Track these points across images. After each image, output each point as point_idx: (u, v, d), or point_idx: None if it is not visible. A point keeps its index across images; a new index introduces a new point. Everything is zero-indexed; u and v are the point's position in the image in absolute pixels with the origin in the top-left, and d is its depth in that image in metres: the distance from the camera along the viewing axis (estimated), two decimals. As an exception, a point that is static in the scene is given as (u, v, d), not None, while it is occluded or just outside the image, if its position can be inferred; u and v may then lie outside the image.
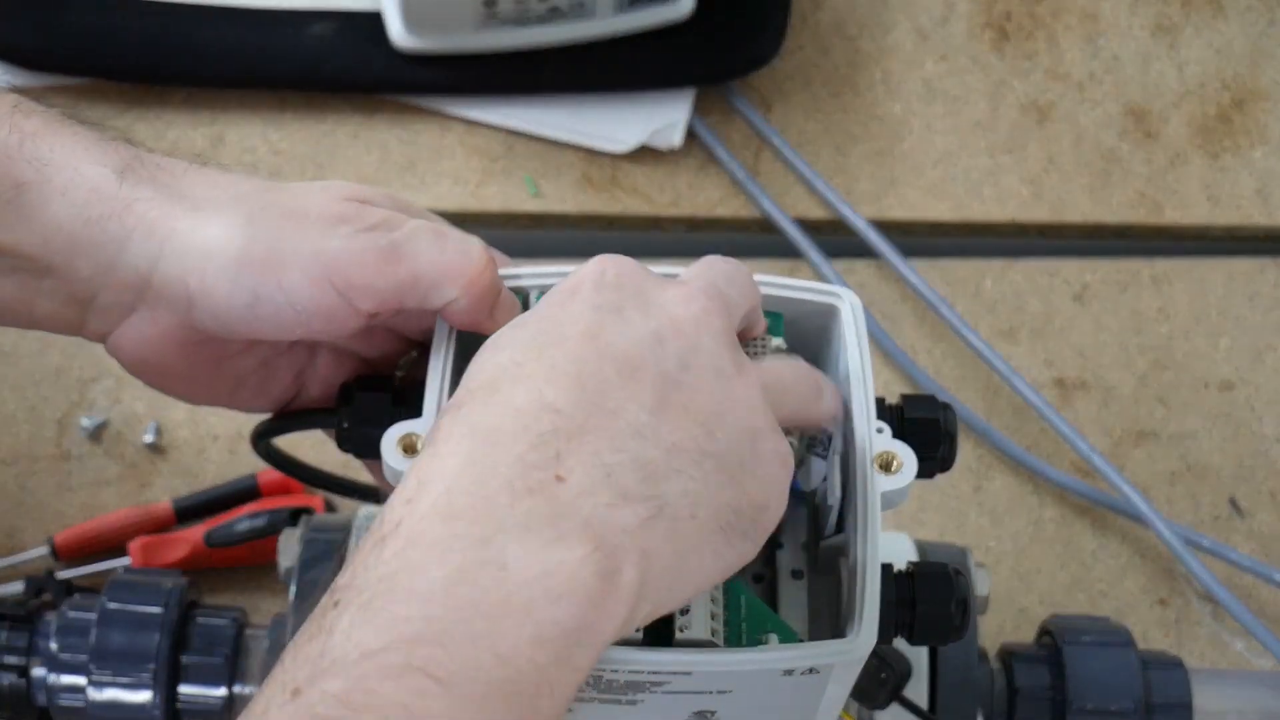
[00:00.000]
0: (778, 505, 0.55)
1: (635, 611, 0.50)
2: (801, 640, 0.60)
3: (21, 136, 0.61)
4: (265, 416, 0.68)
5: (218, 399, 0.66)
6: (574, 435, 0.51)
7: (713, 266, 0.59)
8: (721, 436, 0.53)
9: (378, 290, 0.60)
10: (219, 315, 0.60)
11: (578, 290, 0.55)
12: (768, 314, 0.63)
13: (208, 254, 0.59)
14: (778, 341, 0.61)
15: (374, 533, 0.50)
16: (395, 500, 0.51)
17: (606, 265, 0.56)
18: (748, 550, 0.54)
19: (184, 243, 0.60)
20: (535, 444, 0.50)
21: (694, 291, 0.56)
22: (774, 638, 0.58)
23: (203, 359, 0.63)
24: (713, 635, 0.57)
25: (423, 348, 0.67)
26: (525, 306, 0.62)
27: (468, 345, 0.62)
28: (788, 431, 0.58)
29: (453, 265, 0.60)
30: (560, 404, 0.51)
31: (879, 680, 0.64)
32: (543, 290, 0.62)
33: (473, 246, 0.61)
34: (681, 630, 0.56)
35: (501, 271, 0.62)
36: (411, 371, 0.67)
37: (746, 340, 0.61)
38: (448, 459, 0.51)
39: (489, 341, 0.55)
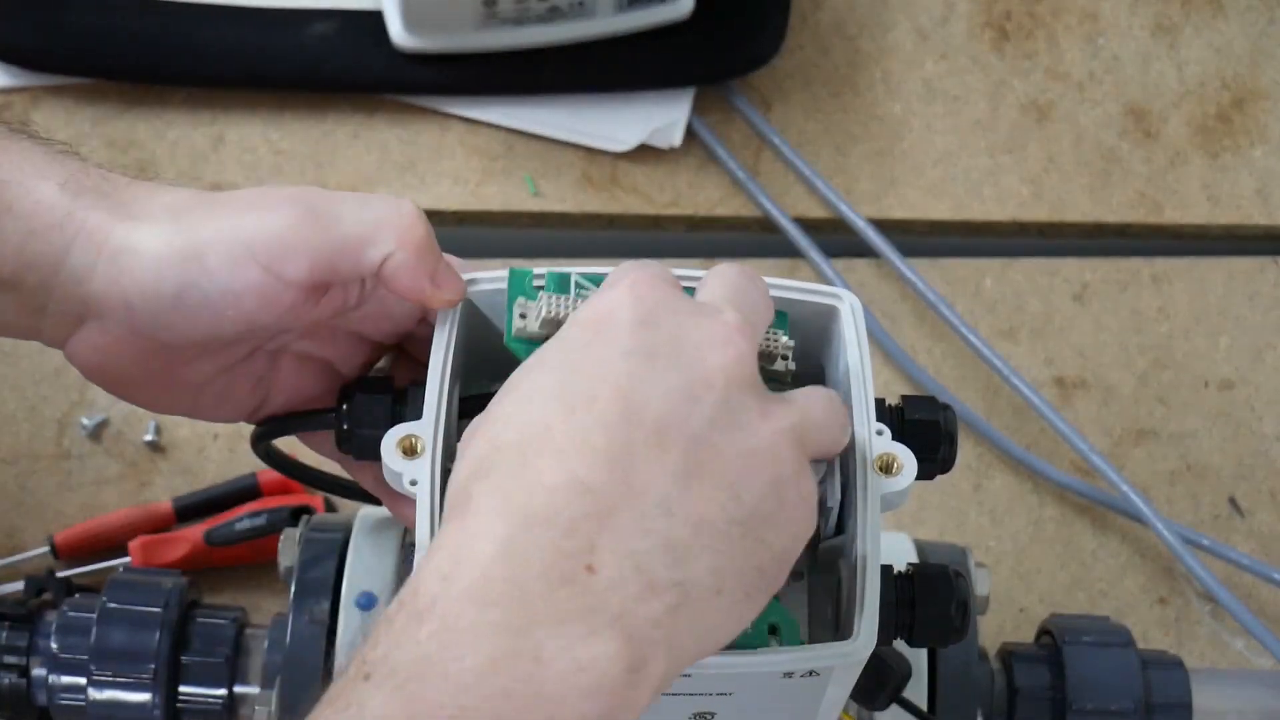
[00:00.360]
0: (803, 542, 0.55)
1: (657, 693, 0.51)
2: (801, 641, 0.60)
3: None
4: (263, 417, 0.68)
5: (179, 408, 0.66)
6: (604, 518, 0.51)
7: (739, 288, 0.57)
8: (747, 496, 0.53)
9: (303, 254, 0.59)
10: (154, 314, 0.60)
11: (607, 324, 0.54)
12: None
13: (135, 254, 0.59)
14: (785, 339, 0.61)
15: (407, 604, 0.50)
16: (429, 573, 0.51)
17: (641, 291, 0.55)
18: (768, 598, 0.54)
19: (116, 248, 0.60)
20: (568, 530, 0.50)
21: (728, 331, 0.54)
22: (774, 640, 0.59)
23: (157, 366, 0.63)
24: None
25: (397, 350, 0.67)
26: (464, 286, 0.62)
27: (467, 343, 0.62)
28: None
29: (383, 219, 0.60)
30: (591, 482, 0.51)
31: (879, 681, 0.64)
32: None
33: (403, 201, 0.60)
34: None
35: (499, 273, 0.62)
36: (401, 365, 0.67)
37: None
38: (483, 540, 0.51)
39: (511, 385, 0.55)
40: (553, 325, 0.60)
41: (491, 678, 0.49)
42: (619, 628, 0.50)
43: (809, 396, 0.57)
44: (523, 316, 0.60)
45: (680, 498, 0.51)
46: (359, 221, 0.60)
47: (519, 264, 0.64)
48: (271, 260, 0.59)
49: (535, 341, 0.60)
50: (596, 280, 0.61)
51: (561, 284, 0.61)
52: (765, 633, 0.59)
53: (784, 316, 0.62)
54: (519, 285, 0.61)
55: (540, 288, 0.61)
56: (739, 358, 0.54)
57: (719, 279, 0.58)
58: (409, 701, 0.48)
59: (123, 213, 0.60)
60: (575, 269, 0.62)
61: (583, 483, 0.51)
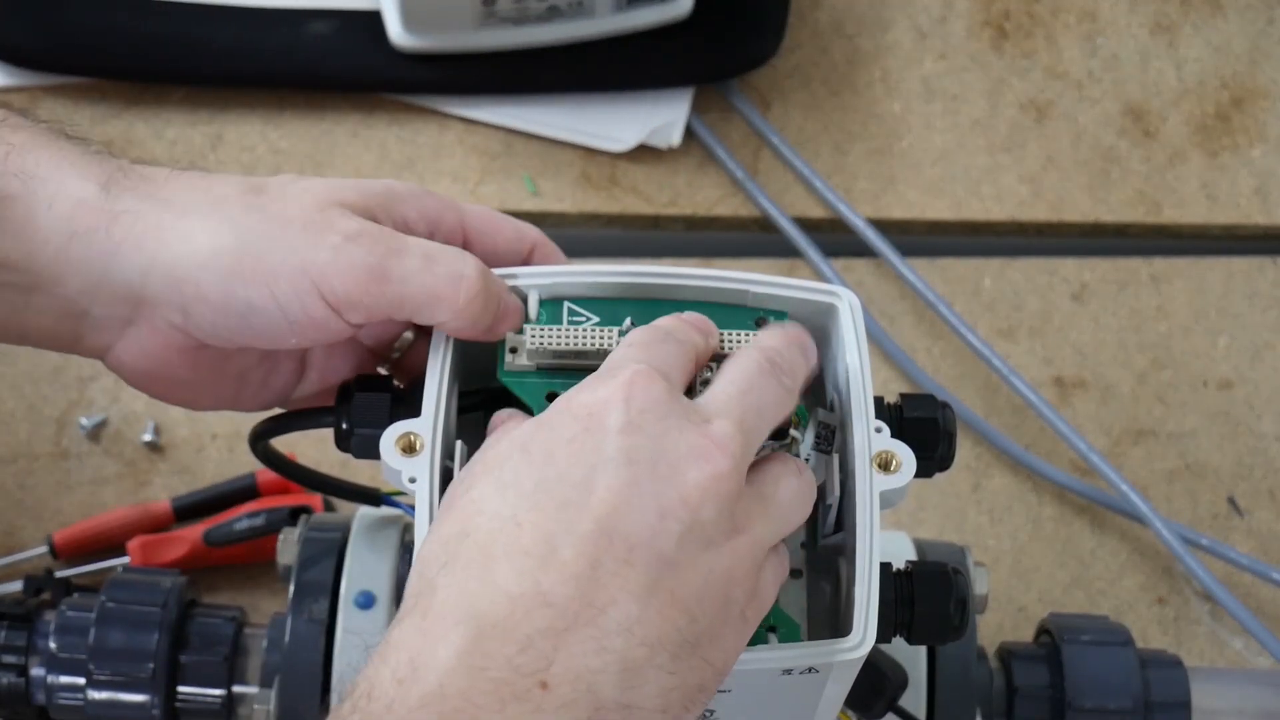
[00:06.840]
0: (738, 654, 0.55)
1: None
2: (800, 637, 0.60)
3: (8, 149, 0.61)
4: (263, 416, 0.68)
5: (222, 402, 0.66)
6: (562, 635, 0.51)
7: (751, 386, 0.56)
8: (701, 617, 0.53)
9: (366, 307, 0.60)
10: (215, 325, 0.61)
11: (596, 422, 0.54)
12: (772, 313, 0.63)
13: (198, 264, 0.60)
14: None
15: (360, 706, 0.51)
16: (385, 675, 0.51)
17: (634, 391, 0.54)
18: (703, 708, 0.54)
19: (173, 253, 0.60)
20: (524, 646, 0.51)
21: (711, 447, 0.54)
22: (774, 636, 0.59)
23: (206, 363, 0.63)
24: None
25: (419, 330, 0.67)
26: (523, 307, 0.62)
27: (466, 341, 0.62)
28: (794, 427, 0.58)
29: (442, 291, 0.60)
30: (554, 597, 0.51)
31: (875, 690, 0.64)
32: (541, 291, 0.62)
33: (466, 270, 0.61)
34: None
35: (498, 272, 0.62)
36: (408, 356, 0.67)
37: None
38: (440, 648, 0.51)
39: (493, 463, 0.55)
40: (541, 357, 0.60)
41: None
42: None
43: (783, 475, 0.57)
44: (513, 351, 0.61)
45: (640, 617, 0.52)
46: (420, 287, 0.60)
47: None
48: (337, 303, 0.60)
49: (527, 373, 0.61)
50: (589, 306, 0.62)
51: (553, 314, 0.62)
52: (765, 632, 0.59)
53: (783, 317, 0.62)
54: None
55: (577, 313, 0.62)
56: (716, 475, 0.53)
57: (736, 369, 0.57)
58: None
59: (173, 213, 0.60)
60: (570, 277, 0.62)
61: (544, 595, 0.51)
